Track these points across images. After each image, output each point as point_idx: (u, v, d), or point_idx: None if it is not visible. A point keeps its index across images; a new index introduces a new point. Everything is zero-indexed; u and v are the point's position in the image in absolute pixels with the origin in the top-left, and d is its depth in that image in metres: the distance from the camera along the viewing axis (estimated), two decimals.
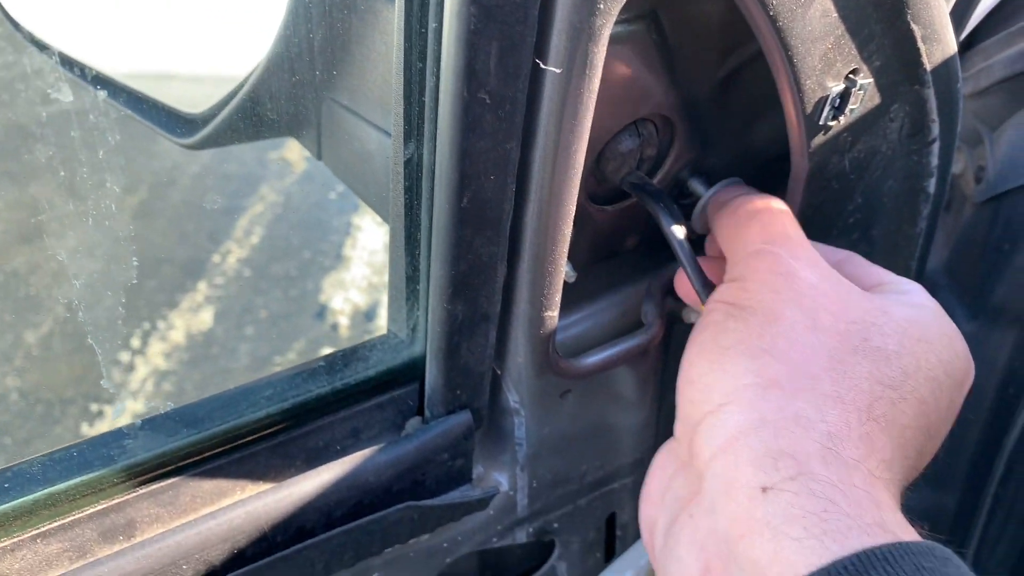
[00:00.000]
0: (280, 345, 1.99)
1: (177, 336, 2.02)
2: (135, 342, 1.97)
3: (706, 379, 0.34)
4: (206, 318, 2.06)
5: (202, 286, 2.13)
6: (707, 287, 0.40)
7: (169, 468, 0.39)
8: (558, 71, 0.32)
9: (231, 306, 2.07)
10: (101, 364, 1.87)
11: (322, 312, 2.05)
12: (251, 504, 0.38)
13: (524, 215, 0.37)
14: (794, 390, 0.32)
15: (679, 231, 0.41)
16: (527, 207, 0.37)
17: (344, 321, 2.04)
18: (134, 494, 0.38)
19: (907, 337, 0.35)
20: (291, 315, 2.05)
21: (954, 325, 0.37)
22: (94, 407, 1.82)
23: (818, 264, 0.37)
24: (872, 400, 0.33)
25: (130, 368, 1.94)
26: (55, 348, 1.89)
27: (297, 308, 2.07)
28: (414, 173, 0.37)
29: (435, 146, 0.34)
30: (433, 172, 0.35)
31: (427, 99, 0.34)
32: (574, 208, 0.37)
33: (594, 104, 0.33)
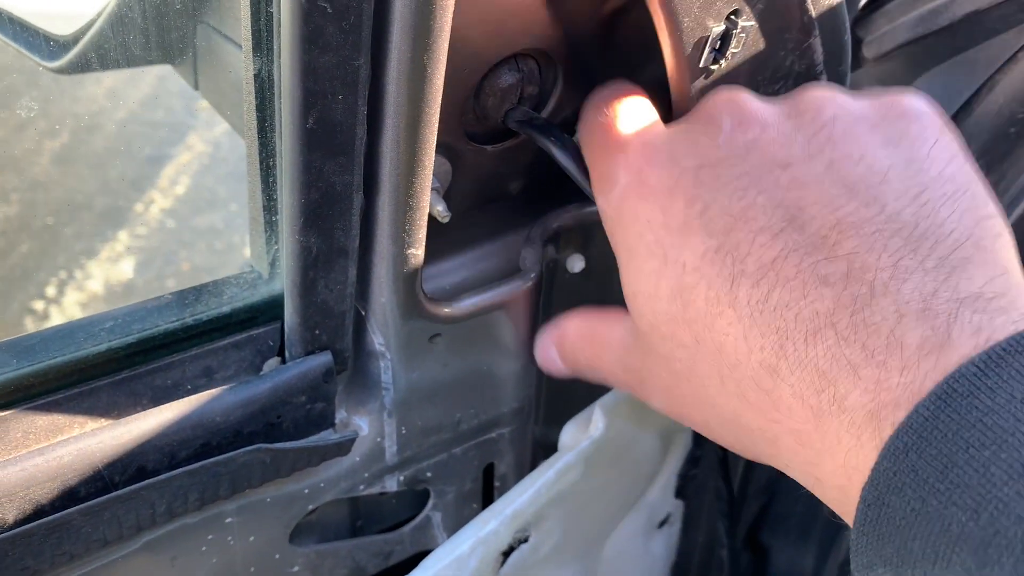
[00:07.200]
0: None
1: (95, 286, 1.95)
2: (50, 291, 1.90)
3: None
4: (126, 268, 1.99)
5: (123, 235, 2.05)
6: None
7: None
8: None
9: (153, 257, 2.01)
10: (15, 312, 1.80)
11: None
12: (84, 441, 0.36)
13: (380, 143, 0.35)
14: None
15: (574, 159, 0.40)
16: (383, 134, 0.35)
17: None
18: None
19: None
20: (215, 268, 1.99)
21: None
22: None
23: None
24: None
25: (44, 317, 1.87)
26: None
27: (221, 261, 2.02)
28: (265, 91, 0.34)
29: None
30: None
31: (274, 9, 0.32)
32: (434, 137, 0.35)
33: (450, 20, 0.31)
